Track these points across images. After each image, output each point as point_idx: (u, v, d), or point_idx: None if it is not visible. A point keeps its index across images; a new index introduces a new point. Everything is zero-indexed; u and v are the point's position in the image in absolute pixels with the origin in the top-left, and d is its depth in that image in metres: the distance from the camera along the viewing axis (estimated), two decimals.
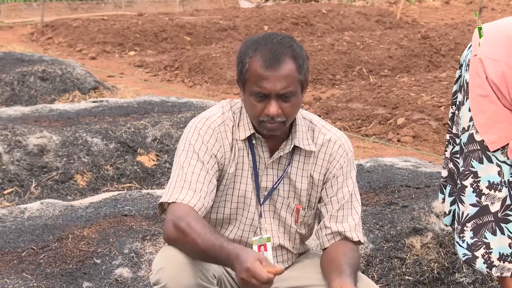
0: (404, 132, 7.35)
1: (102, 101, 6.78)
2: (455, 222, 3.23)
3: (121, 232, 3.75)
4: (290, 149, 2.81)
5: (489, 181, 3.11)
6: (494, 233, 3.11)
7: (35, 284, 3.32)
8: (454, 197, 3.28)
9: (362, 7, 15.75)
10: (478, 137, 3.11)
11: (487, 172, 3.11)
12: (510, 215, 3.11)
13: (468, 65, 3.17)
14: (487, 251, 3.12)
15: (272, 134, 2.74)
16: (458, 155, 3.27)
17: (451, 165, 3.32)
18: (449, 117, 3.35)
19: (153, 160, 5.60)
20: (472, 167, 3.12)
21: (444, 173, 3.37)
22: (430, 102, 7.84)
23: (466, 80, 3.17)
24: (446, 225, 3.42)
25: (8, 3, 15.41)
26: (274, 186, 2.82)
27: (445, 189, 3.36)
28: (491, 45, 3.11)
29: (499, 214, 3.11)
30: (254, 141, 2.79)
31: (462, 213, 3.16)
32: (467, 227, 3.14)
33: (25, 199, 5.04)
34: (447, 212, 3.35)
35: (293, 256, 2.95)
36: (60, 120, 5.99)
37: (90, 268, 3.47)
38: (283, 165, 2.83)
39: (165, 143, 5.73)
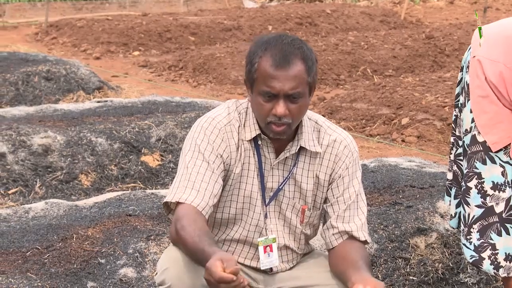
0: (409, 132, 7.34)
1: (106, 101, 6.78)
2: (461, 224, 3.23)
3: (125, 232, 3.75)
4: (296, 150, 2.81)
5: (493, 182, 3.11)
6: (499, 234, 3.11)
7: (39, 284, 3.32)
8: (459, 199, 3.27)
9: (367, 7, 15.74)
10: (480, 138, 3.11)
11: (490, 173, 3.10)
12: None
13: (468, 66, 3.17)
14: (493, 252, 3.11)
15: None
16: (461, 157, 3.26)
17: (455, 167, 3.31)
18: (453, 119, 3.35)
19: (158, 160, 5.60)
20: (476, 168, 3.12)
21: (450, 175, 3.36)
22: (434, 102, 7.82)
23: (466, 82, 3.17)
24: (453, 228, 3.41)
25: (13, 3, 15.44)
26: (280, 187, 2.82)
27: (451, 191, 3.36)
28: (489, 45, 3.11)
29: (503, 215, 3.10)
30: (260, 142, 2.79)
31: (468, 215, 3.15)
32: (473, 228, 3.13)
33: (30, 199, 5.04)
34: (453, 215, 3.34)
35: (298, 256, 2.95)
36: (65, 120, 5.99)
37: (94, 268, 3.48)
38: (288, 166, 2.83)
39: (170, 143, 5.73)
